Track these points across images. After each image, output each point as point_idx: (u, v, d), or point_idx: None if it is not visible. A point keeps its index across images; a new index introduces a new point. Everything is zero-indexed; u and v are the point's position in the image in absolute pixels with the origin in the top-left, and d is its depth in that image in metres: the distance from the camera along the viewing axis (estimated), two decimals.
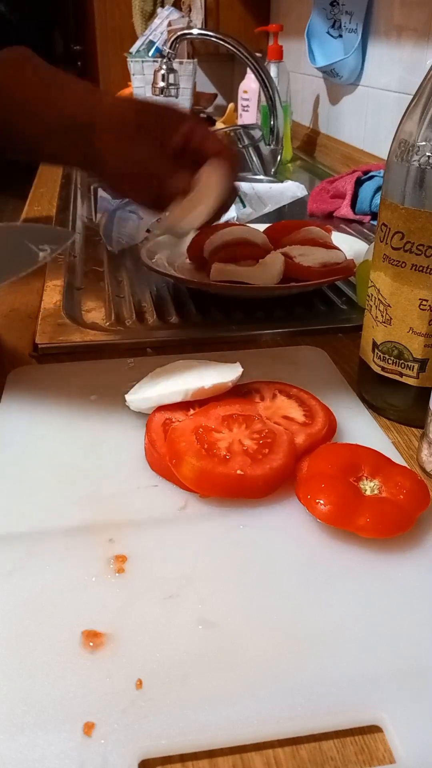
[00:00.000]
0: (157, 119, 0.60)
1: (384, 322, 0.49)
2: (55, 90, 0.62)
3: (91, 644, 0.32)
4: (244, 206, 1.04)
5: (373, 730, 0.30)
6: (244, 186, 1.07)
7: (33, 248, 0.54)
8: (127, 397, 0.49)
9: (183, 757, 0.29)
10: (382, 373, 0.50)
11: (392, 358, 0.49)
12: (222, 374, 0.48)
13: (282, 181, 1.08)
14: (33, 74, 0.63)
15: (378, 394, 0.52)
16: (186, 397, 0.47)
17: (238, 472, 0.40)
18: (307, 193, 1.04)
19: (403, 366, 0.49)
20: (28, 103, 0.61)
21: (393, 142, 0.45)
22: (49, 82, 0.62)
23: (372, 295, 0.50)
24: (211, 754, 0.29)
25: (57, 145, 0.63)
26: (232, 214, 1.00)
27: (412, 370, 0.49)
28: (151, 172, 0.60)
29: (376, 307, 0.49)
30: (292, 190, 1.04)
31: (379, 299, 0.49)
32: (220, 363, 0.50)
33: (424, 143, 0.43)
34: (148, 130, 0.59)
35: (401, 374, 0.49)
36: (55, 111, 0.60)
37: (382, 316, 0.49)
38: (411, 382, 0.49)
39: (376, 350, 0.50)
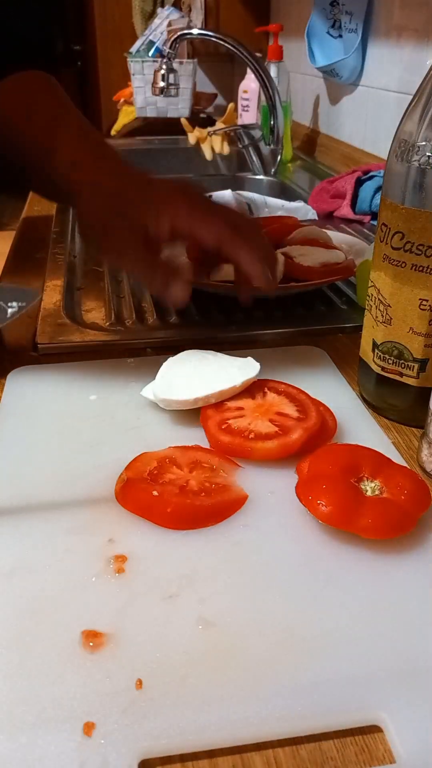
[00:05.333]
0: (143, 211, 0.51)
1: (384, 322, 0.49)
2: (46, 146, 0.56)
3: (91, 644, 0.32)
4: (252, 213, 1.05)
5: (373, 730, 0.30)
6: (255, 198, 1.07)
7: (1, 305, 0.58)
8: (159, 395, 0.49)
9: (183, 757, 0.29)
10: (382, 373, 0.50)
11: (392, 358, 0.49)
12: (243, 369, 0.50)
13: (293, 200, 1.08)
14: (36, 114, 0.57)
15: (378, 394, 0.52)
16: (221, 397, 0.48)
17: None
18: (316, 218, 1.04)
19: (403, 366, 0.49)
20: (19, 149, 0.57)
21: (393, 142, 0.45)
22: (46, 132, 0.56)
23: (372, 295, 0.50)
24: (211, 754, 0.29)
25: (46, 194, 0.61)
26: None
27: (412, 370, 0.49)
28: (128, 262, 0.54)
29: (376, 307, 0.49)
30: (302, 211, 1.04)
31: (379, 299, 0.49)
32: (227, 355, 0.52)
33: (424, 143, 0.43)
34: (131, 220, 0.52)
35: (401, 374, 0.49)
36: (41, 170, 0.56)
37: (382, 316, 0.49)
38: (411, 382, 0.49)
39: (376, 350, 0.50)
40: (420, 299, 0.46)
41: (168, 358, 0.53)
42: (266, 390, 0.50)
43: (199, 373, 0.50)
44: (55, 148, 0.55)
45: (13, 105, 0.58)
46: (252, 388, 0.49)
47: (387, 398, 0.52)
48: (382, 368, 0.50)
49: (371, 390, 0.53)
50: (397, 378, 0.50)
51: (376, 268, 0.49)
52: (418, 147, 0.43)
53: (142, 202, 0.51)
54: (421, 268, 0.45)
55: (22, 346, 0.63)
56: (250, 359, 0.51)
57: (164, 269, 0.52)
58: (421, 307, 0.46)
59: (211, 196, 1.03)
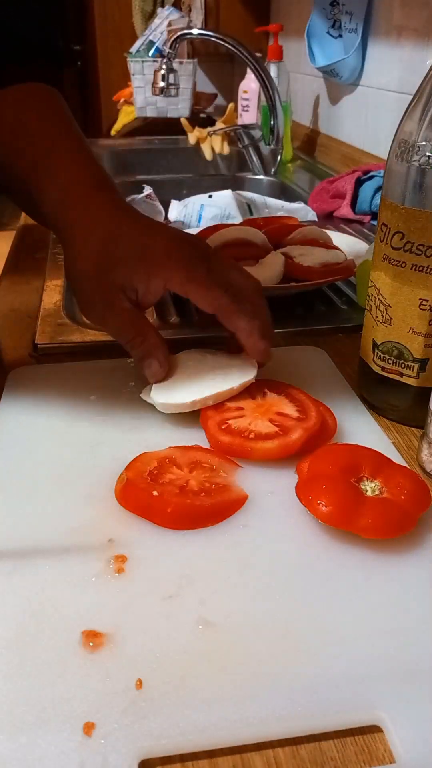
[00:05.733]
0: (131, 272, 0.48)
1: (384, 322, 0.49)
2: (34, 178, 0.51)
3: (91, 644, 0.32)
4: (251, 213, 1.04)
5: (373, 730, 0.30)
6: (255, 198, 1.07)
7: None
8: (156, 399, 0.49)
9: (183, 757, 0.29)
10: (382, 373, 0.50)
11: (392, 358, 0.49)
12: (241, 370, 0.50)
13: (293, 201, 1.08)
14: (26, 147, 0.51)
15: (378, 394, 0.52)
16: (219, 399, 0.48)
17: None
18: (316, 219, 1.04)
19: (403, 366, 0.49)
20: (6, 175, 0.52)
21: (393, 142, 0.45)
22: (42, 158, 0.51)
23: (372, 295, 0.50)
24: (211, 754, 0.29)
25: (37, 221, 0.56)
26: (237, 219, 1.00)
27: (412, 370, 0.49)
28: (110, 327, 0.51)
29: (376, 307, 0.49)
30: (302, 212, 1.04)
31: (379, 299, 0.49)
32: (225, 355, 0.52)
33: (424, 143, 0.43)
34: (120, 283, 0.48)
35: (401, 374, 0.49)
36: (31, 202, 0.52)
37: (382, 316, 0.49)
38: (411, 382, 0.49)
39: (376, 350, 0.50)
40: (420, 299, 0.46)
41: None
42: (266, 390, 0.50)
43: (197, 375, 0.50)
44: (43, 186, 0.51)
45: (5, 123, 0.53)
46: (252, 388, 0.49)
47: (387, 398, 0.52)
48: (382, 368, 0.50)
49: (371, 390, 0.53)
50: (397, 378, 0.50)
51: (376, 268, 0.49)
52: (418, 147, 0.43)
53: (135, 260, 0.48)
54: (421, 268, 0.45)
55: (21, 346, 0.63)
56: (248, 360, 0.51)
57: (146, 341, 0.50)
58: (421, 307, 0.46)
59: (211, 197, 1.03)
